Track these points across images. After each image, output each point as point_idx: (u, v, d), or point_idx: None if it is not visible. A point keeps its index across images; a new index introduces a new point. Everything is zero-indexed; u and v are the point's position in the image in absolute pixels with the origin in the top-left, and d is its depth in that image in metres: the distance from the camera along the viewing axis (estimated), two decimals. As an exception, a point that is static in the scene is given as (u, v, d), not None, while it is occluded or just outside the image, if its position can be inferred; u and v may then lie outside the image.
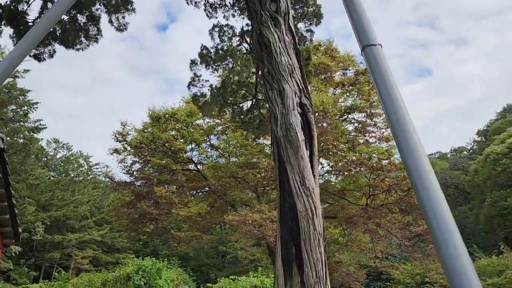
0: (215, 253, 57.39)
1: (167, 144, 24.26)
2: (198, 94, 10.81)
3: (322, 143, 25.58)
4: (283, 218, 7.11)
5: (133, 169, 27.12)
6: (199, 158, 27.17)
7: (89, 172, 79.86)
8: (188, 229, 26.13)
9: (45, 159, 70.13)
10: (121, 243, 63.25)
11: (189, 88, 10.59)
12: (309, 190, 6.79)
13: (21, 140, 35.67)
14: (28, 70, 38.62)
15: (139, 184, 26.93)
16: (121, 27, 7.80)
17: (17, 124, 37.48)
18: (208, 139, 26.18)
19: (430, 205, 2.32)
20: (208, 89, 10.75)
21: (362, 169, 26.40)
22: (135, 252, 52.44)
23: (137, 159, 26.52)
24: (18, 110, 38.57)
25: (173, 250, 53.27)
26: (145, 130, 25.66)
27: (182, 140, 25.06)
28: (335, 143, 24.16)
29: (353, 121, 30.01)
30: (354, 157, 25.11)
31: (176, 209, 23.85)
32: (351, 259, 32.61)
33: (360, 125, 28.91)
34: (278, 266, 7.06)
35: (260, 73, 7.56)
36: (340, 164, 26.89)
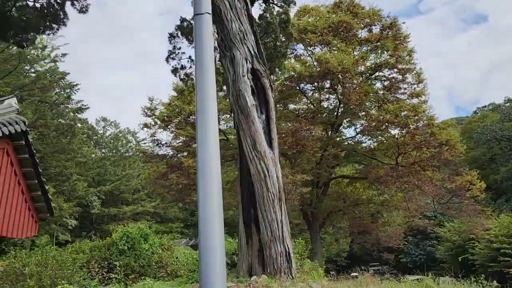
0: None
1: (192, 116, 24.89)
2: (178, 66, 11.09)
3: (345, 105, 25.20)
4: (242, 182, 7.38)
5: (163, 142, 28.21)
6: (226, 126, 27.64)
7: (137, 147, 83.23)
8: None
9: (96, 137, 73.90)
10: (173, 213, 66.38)
11: (167, 61, 10.86)
12: (260, 154, 6.98)
13: (66, 121, 37.77)
14: (65, 54, 40.47)
15: (170, 156, 27.97)
16: (83, 9, 8.14)
17: (62, 106, 39.61)
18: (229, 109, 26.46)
19: (205, 199, 2.54)
20: (188, 61, 10.99)
21: (390, 127, 25.81)
22: (183, 221, 54.89)
23: (167, 132, 27.51)
24: (62, 93, 40.69)
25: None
26: (171, 104, 26.39)
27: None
28: (359, 103, 23.68)
29: (383, 79, 29.12)
30: (381, 116, 24.52)
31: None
32: (388, 219, 32.39)
33: (389, 82, 28.03)
34: (240, 227, 7.40)
35: (216, 43, 7.68)
36: (368, 124, 26.37)
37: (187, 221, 56.56)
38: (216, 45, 7.50)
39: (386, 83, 28.17)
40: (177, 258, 9.28)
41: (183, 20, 10.50)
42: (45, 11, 7.35)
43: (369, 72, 28.10)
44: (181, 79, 11.13)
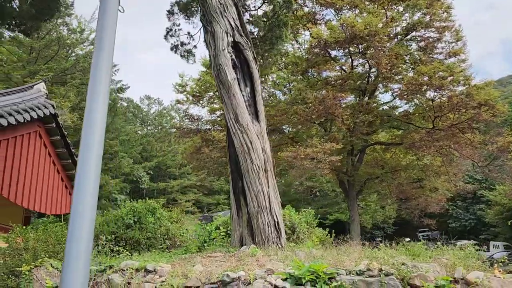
0: (303, 188, 58.94)
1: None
2: (178, 43, 11.11)
3: (376, 69, 24.37)
4: (230, 154, 7.48)
5: (195, 117, 28.75)
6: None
7: (181, 123, 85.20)
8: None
9: (141, 115, 76.35)
10: (219, 186, 68.17)
11: (166, 38, 10.93)
12: (243, 127, 7.02)
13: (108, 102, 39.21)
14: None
15: (204, 130, 28.53)
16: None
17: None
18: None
19: (82, 210, 2.65)
20: (187, 37, 11.02)
21: (428, 90, 24.73)
22: (226, 192, 56.20)
23: (199, 107, 27.97)
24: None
25: (261, 189, 56.09)
26: (201, 79, 26.70)
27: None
28: (390, 67, 22.79)
29: (418, 39, 27.76)
30: (419, 78, 23.47)
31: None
32: (428, 184, 31.47)
33: (424, 42, 26.70)
34: (231, 198, 7.56)
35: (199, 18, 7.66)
36: (405, 87, 25.37)
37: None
38: (199, 20, 7.53)
39: (421, 43, 26.86)
40: (186, 230, 9.68)
41: (181, -5, 10.54)
42: (34, 1, 7.68)
43: (403, 33, 26.87)
44: (181, 56, 11.27)
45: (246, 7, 10.66)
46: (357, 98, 28.18)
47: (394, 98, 29.11)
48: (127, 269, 5.33)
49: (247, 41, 7.56)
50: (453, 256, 6.35)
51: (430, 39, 26.92)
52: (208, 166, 29.77)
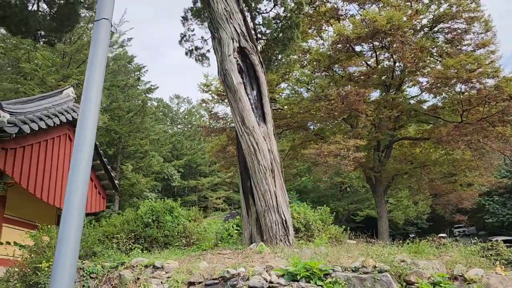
0: (333, 184, 58.55)
1: None
2: (192, 48, 11.45)
3: (400, 64, 24.07)
4: (239, 156, 7.75)
5: (220, 116, 29.21)
6: (278, 95, 27.84)
7: (211, 121, 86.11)
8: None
9: (171, 114, 77.81)
10: (248, 182, 68.55)
11: (180, 43, 11.30)
12: (249, 129, 7.27)
13: (137, 102, 40.34)
14: (131, 38, 42.75)
15: (229, 129, 28.93)
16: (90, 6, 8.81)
17: (133, 89, 42.30)
18: (281, 79, 26.56)
19: (72, 213, 2.98)
20: (201, 42, 11.34)
21: (453, 82, 24.21)
22: (255, 189, 56.74)
23: (224, 106, 28.38)
24: (132, 75, 43.42)
25: (290, 185, 56.14)
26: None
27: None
28: (414, 61, 22.45)
29: (446, 30, 27.19)
30: (441, 73, 23.07)
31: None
32: (460, 179, 30.78)
33: (451, 34, 26.14)
34: (241, 197, 7.83)
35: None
36: (433, 80, 24.90)
37: (259, 190, 58.27)
38: (207, 27, 7.83)
39: (448, 35, 26.29)
40: (204, 228, 10.05)
41: (195, 1, 10.85)
42: (56, 15, 8.20)
43: (429, 25, 26.38)
44: (196, 60, 11.63)
45: (258, 10, 10.91)
46: (383, 93, 27.89)
47: (422, 92, 28.61)
48: (137, 266, 5.72)
49: (252, 46, 7.80)
50: (458, 253, 6.41)
51: (459, 30, 26.33)
52: (235, 164, 30.20)
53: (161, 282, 5.26)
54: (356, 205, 55.79)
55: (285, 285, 4.78)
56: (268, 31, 11.28)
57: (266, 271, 5.24)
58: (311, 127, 26.10)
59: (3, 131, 11.02)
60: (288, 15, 10.62)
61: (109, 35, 3.55)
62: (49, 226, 7.46)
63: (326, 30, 29.01)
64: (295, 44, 11.34)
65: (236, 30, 7.66)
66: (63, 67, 34.14)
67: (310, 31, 27.96)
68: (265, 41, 11.27)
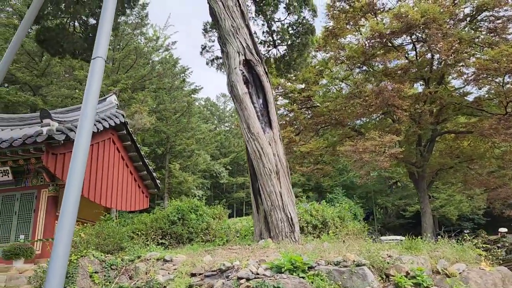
0: (382, 180, 57.60)
1: (292, 93, 26.00)
2: (213, 58, 12.15)
3: (438, 56, 23.58)
4: (248, 159, 8.39)
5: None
6: (316, 92, 28.07)
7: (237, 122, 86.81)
8: (309, 164, 27.94)
9: (218, 112, 79.56)
10: (295, 178, 69.02)
11: (201, 54, 12.01)
12: (254, 135, 7.88)
13: (183, 103, 41.98)
14: (175, 42, 44.41)
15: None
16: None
17: (178, 90, 44.03)
18: (317, 78, 26.80)
19: (67, 207, 3.75)
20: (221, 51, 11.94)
21: (497, 73, 23.39)
22: (300, 186, 57.01)
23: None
24: (178, 77, 45.16)
25: (336, 181, 55.87)
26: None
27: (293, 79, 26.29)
28: (452, 53, 21.96)
29: (490, 19, 26.21)
30: (481, 65, 22.39)
31: (298, 146, 25.78)
32: (509, 173, 29.54)
33: (493, 24, 25.19)
34: (251, 197, 8.48)
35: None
36: (479, 71, 24.18)
37: (305, 186, 58.51)
38: (217, 42, 8.50)
39: (490, 25, 25.35)
40: (228, 225, 10.79)
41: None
42: (87, 37, 9.26)
43: (470, 15, 25.57)
44: (217, 68, 12.35)
45: (273, 19, 11.46)
46: (423, 87, 27.38)
47: (466, 85, 27.76)
48: (150, 259, 6.55)
49: (258, 58, 8.39)
50: (451, 249, 6.71)
51: (504, 18, 25.31)
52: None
53: (168, 273, 6.04)
54: (405, 200, 54.62)
55: (270, 276, 5.38)
56: (286, 37, 11.80)
57: (258, 264, 5.88)
58: (349, 123, 26.19)
59: (53, 138, 12.32)
60: (302, 21, 11.10)
61: (103, 71, 4.34)
62: (84, 224, 8.49)
63: (363, 25, 28.84)
64: (309, 50, 11.76)
65: (242, 44, 8.28)
66: (113, 72, 36.24)
67: (348, 26, 27.93)
68: (280, 47, 11.84)
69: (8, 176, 13.22)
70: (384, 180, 57.74)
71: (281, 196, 7.92)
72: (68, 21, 9.55)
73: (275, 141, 8.19)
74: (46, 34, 8.88)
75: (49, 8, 8.59)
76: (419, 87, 27.73)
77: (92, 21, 10.41)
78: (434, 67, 24.95)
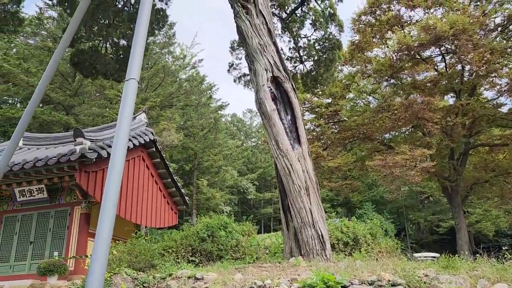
0: (414, 194, 56.18)
1: (318, 108, 25.97)
2: (240, 75, 12.25)
3: (469, 67, 23.08)
4: (277, 175, 8.35)
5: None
6: (343, 106, 27.88)
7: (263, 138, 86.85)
8: (337, 179, 27.58)
9: (244, 128, 79.98)
10: (324, 194, 68.24)
11: (229, 71, 12.14)
12: (283, 152, 7.84)
13: (210, 120, 42.43)
14: (202, 59, 45.17)
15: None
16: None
17: (205, 107, 44.59)
18: (344, 92, 26.64)
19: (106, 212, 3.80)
20: (247, 68, 12.04)
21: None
22: (329, 201, 56.24)
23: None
24: (205, 94, 45.80)
25: (365, 196, 54.81)
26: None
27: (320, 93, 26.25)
28: (483, 65, 21.45)
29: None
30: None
31: (325, 161, 25.54)
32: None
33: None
34: (281, 214, 8.41)
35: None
36: (504, 83, 23.58)
37: (333, 201, 57.71)
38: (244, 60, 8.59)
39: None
40: (257, 242, 10.72)
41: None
42: (119, 58, 9.54)
43: (502, 24, 24.99)
44: (244, 86, 12.45)
45: (299, 35, 11.51)
46: (454, 99, 26.78)
47: (498, 97, 27.00)
48: (182, 277, 6.54)
49: (285, 75, 8.41)
50: (490, 268, 6.44)
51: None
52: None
53: (199, 292, 6.03)
54: (438, 215, 52.99)
55: (302, 297, 5.28)
56: (312, 53, 11.82)
57: (290, 283, 5.78)
58: (378, 137, 25.81)
59: (85, 156, 12.64)
60: (329, 37, 11.10)
61: (136, 93, 4.41)
62: (116, 242, 8.61)
63: (390, 38, 28.61)
64: (336, 65, 11.72)
65: (270, 61, 8.34)
66: (142, 91, 37.11)
67: (374, 40, 27.77)
68: (306, 62, 11.87)
69: (43, 194, 13.59)
70: (415, 195, 56.30)
71: (311, 212, 7.83)
72: (100, 44, 9.89)
73: (304, 157, 8.15)
74: (80, 57, 9.21)
75: (82, 31, 8.91)
76: (450, 99, 27.11)
77: (123, 42, 10.72)
78: (465, 78, 24.40)
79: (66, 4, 8.90)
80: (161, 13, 10.69)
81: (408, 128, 25.35)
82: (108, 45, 10.12)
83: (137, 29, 4.67)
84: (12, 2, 8.98)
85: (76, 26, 6.53)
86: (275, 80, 8.33)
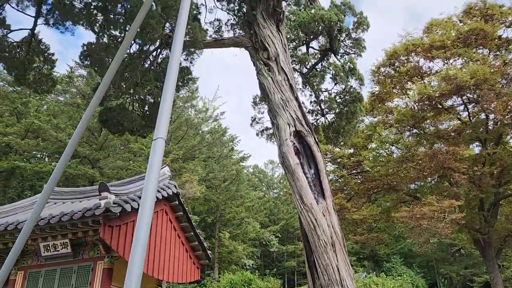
0: (444, 247, 53.95)
1: (339, 158, 25.90)
2: (262, 129, 12.41)
3: (493, 116, 22.83)
4: (301, 230, 8.19)
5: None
6: (366, 157, 27.66)
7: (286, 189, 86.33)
8: (363, 231, 26.84)
9: (266, 179, 79.76)
10: (347, 247, 66.14)
11: (251, 125, 12.35)
12: (307, 206, 7.74)
13: (232, 172, 42.59)
14: (224, 112, 46.21)
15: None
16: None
17: (227, 159, 44.96)
18: (366, 142, 26.57)
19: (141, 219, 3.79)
20: (270, 122, 12.22)
21: None
22: (354, 254, 54.43)
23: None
24: (226, 146, 46.33)
25: (392, 249, 52.91)
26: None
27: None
28: (506, 112, 21.21)
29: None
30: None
31: (350, 213, 25.02)
32: None
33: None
34: (306, 270, 8.15)
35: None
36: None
37: (359, 254, 55.87)
38: (267, 114, 8.77)
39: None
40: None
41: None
42: (145, 115, 9.87)
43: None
44: (266, 139, 12.59)
45: (320, 89, 11.73)
46: (480, 148, 26.29)
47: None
48: None
49: (308, 129, 8.50)
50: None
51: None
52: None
53: None
54: (471, 269, 50.45)
55: None
56: (333, 106, 11.96)
57: None
58: (403, 188, 25.31)
59: (110, 210, 12.73)
60: (350, 90, 11.26)
61: (163, 151, 4.50)
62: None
63: (410, 88, 28.78)
64: (358, 118, 11.81)
65: (292, 116, 8.47)
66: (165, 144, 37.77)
67: (394, 90, 27.97)
68: (328, 115, 11.99)
69: (67, 249, 13.62)
70: (446, 248, 54.02)
71: (338, 270, 7.57)
72: (127, 101, 10.28)
73: (329, 211, 8.01)
74: (108, 114, 9.57)
75: (111, 90, 9.31)
76: (475, 148, 26.62)
77: (148, 98, 11.11)
78: (489, 127, 24.07)
79: (97, 65, 9.36)
80: (186, 70, 11.10)
81: (434, 178, 24.81)
82: (134, 103, 10.50)
83: (164, 90, 4.84)
84: (46, 64, 9.52)
85: (106, 86, 6.82)
86: (298, 134, 8.40)
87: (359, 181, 27.29)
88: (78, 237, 13.71)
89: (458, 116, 25.85)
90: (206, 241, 21.86)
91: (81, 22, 9.05)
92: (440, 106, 24.49)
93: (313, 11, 10.96)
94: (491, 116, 24.00)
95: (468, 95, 22.04)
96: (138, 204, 14.27)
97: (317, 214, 7.81)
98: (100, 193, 13.09)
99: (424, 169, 21.13)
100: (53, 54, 9.35)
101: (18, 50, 8.66)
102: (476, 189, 24.30)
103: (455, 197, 22.05)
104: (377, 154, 27.76)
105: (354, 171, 27.80)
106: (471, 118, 25.37)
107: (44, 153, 39.64)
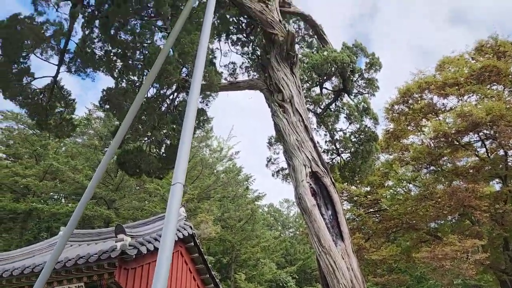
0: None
1: (356, 197, 25.66)
2: (278, 169, 12.45)
3: (510, 152, 22.48)
4: (320, 273, 8.01)
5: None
6: (383, 195, 27.23)
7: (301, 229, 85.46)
8: (383, 272, 26.03)
9: (281, 218, 78.77)
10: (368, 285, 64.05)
11: (267, 166, 12.41)
12: (325, 248, 7.60)
13: (247, 211, 42.24)
14: (239, 151, 46.53)
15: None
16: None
17: (242, 198, 44.73)
18: (382, 180, 26.27)
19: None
20: (284, 162, 12.25)
21: None
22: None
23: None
24: (241, 185, 46.19)
25: (414, 290, 50.96)
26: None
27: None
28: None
29: None
30: None
31: (368, 253, 24.39)
32: None
33: None
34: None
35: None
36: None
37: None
38: (282, 156, 8.83)
39: None
40: None
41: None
42: (161, 157, 10.05)
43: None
44: (282, 180, 12.61)
45: (335, 129, 11.82)
46: (501, 185, 25.72)
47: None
48: None
49: (324, 170, 8.48)
50: None
51: None
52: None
53: None
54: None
55: None
56: (349, 145, 11.99)
57: None
58: (423, 226, 24.70)
59: (126, 253, 12.68)
60: (364, 130, 11.30)
61: (182, 195, 4.54)
62: None
63: (425, 125, 28.64)
64: (373, 157, 11.78)
65: (308, 157, 8.49)
66: (181, 185, 37.83)
67: (409, 128, 27.87)
68: (343, 154, 11.99)
69: (82, 293, 13.47)
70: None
71: (359, 314, 7.34)
72: (145, 144, 10.47)
73: (348, 254, 7.85)
74: (125, 157, 9.73)
75: (129, 133, 9.50)
76: (496, 185, 26.04)
77: (166, 141, 11.28)
78: (509, 163, 23.62)
79: (116, 109, 9.62)
80: (201, 112, 11.30)
81: (454, 216, 24.21)
82: (151, 145, 10.68)
83: (182, 135, 4.93)
84: (67, 109, 9.82)
85: (125, 129, 6.99)
86: (314, 175, 8.39)
87: (377, 220, 26.76)
88: (93, 281, 13.59)
89: (476, 153, 25.48)
90: (222, 283, 21.44)
91: (101, 69, 9.42)
92: (457, 143, 24.22)
93: (325, 53, 11.23)
94: (510, 152, 23.62)
95: (485, 131, 21.82)
96: (154, 246, 14.21)
97: (336, 257, 7.65)
98: (116, 235, 13.08)
99: (443, 207, 20.67)
100: (74, 100, 9.68)
101: (40, 97, 8.99)
102: (499, 228, 23.56)
103: (478, 236, 21.38)
104: (395, 192, 27.33)
105: (371, 210, 27.33)
106: (489, 154, 24.97)
107: (61, 194, 40.06)
